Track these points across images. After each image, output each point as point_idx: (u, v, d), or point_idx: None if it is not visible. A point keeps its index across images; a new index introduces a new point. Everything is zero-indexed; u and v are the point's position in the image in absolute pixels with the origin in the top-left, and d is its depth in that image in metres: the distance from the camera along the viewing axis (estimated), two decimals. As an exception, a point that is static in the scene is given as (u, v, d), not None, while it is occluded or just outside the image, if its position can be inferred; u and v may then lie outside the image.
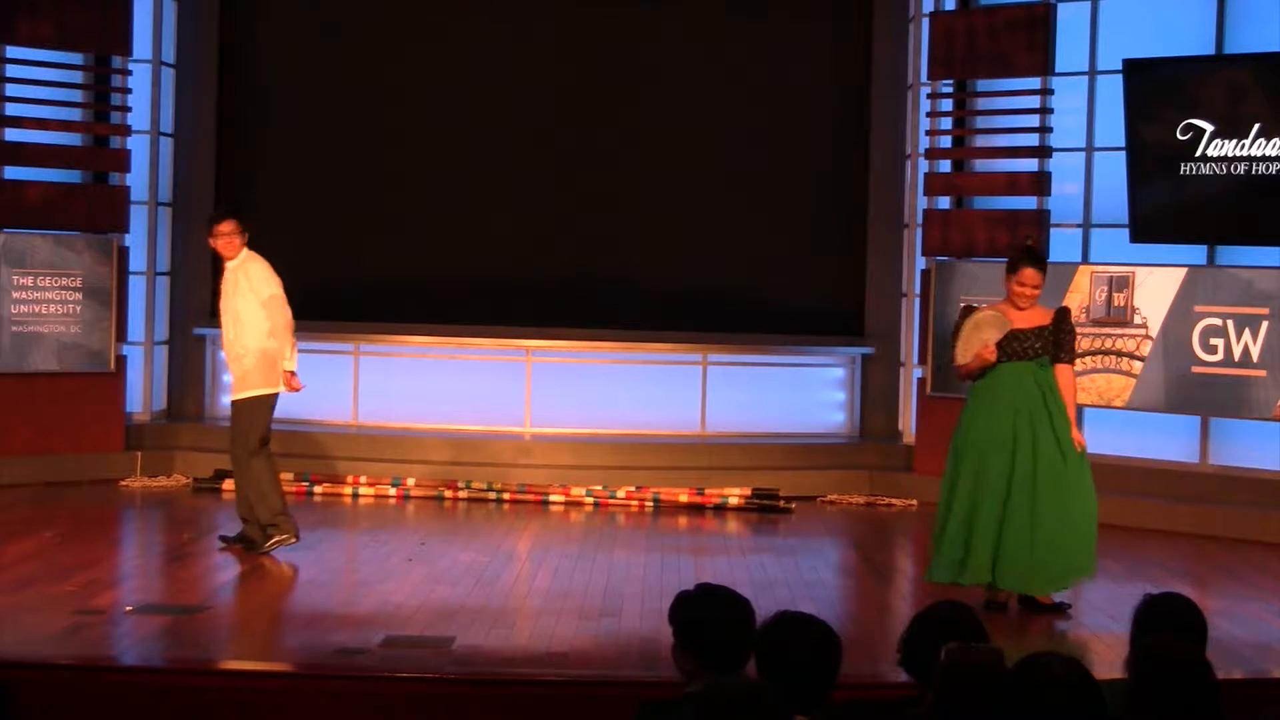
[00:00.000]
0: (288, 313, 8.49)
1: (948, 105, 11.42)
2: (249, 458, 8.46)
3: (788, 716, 3.30)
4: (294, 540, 8.44)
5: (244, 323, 8.47)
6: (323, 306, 11.68)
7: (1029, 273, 7.39)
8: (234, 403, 8.56)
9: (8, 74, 10.84)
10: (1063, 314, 7.51)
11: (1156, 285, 10.21)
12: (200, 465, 10.95)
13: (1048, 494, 7.25)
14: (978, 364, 7.33)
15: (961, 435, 7.44)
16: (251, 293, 8.46)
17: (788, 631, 3.71)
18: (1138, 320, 10.25)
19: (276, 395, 8.53)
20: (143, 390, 11.70)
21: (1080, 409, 10.63)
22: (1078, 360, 10.19)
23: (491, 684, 5.87)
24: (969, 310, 7.48)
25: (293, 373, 8.51)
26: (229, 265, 8.58)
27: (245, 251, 8.55)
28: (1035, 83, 10.88)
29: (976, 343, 7.31)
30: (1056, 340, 7.40)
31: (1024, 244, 7.74)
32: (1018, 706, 3.35)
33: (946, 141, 11.38)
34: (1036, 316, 7.43)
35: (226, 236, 8.49)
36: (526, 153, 12.26)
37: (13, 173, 10.87)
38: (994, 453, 7.29)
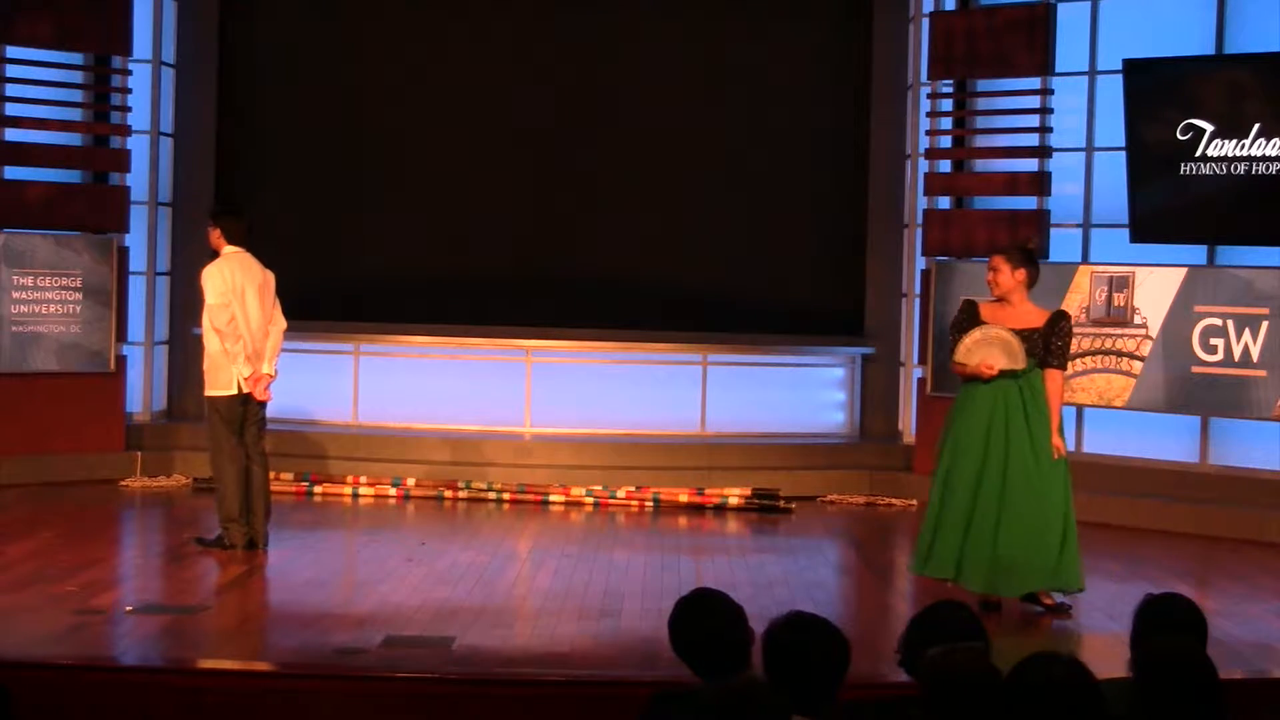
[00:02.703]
0: (219, 321, 8.41)
1: (948, 105, 11.42)
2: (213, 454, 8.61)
3: (788, 716, 3.30)
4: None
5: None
6: (323, 306, 11.68)
7: (993, 259, 7.41)
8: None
9: (8, 74, 10.83)
10: (1057, 317, 7.42)
11: (1156, 285, 10.21)
12: (200, 465, 10.86)
13: (1016, 499, 7.21)
14: (973, 374, 7.32)
15: (943, 434, 7.49)
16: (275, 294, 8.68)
17: (797, 632, 3.72)
18: (1138, 320, 10.25)
19: (225, 399, 8.51)
20: (143, 390, 11.70)
21: (1080, 409, 10.67)
22: (1078, 360, 10.30)
23: (491, 684, 5.87)
24: (972, 308, 7.44)
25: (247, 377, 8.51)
26: (249, 259, 8.64)
27: (223, 254, 8.57)
28: (1035, 83, 10.88)
29: (982, 355, 7.27)
30: (1046, 344, 7.30)
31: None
32: (1018, 707, 3.34)
33: (946, 141, 11.38)
34: (1030, 317, 7.37)
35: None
36: (526, 152, 12.25)
37: (13, 173, 10.87)
38: (965, 454, 7.30)
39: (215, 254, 8.63)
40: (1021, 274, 7.37)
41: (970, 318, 7.38)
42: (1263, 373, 9.83)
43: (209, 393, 8.53)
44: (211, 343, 8.47)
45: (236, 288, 8.45)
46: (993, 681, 3.41)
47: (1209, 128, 10.01)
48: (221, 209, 8.87)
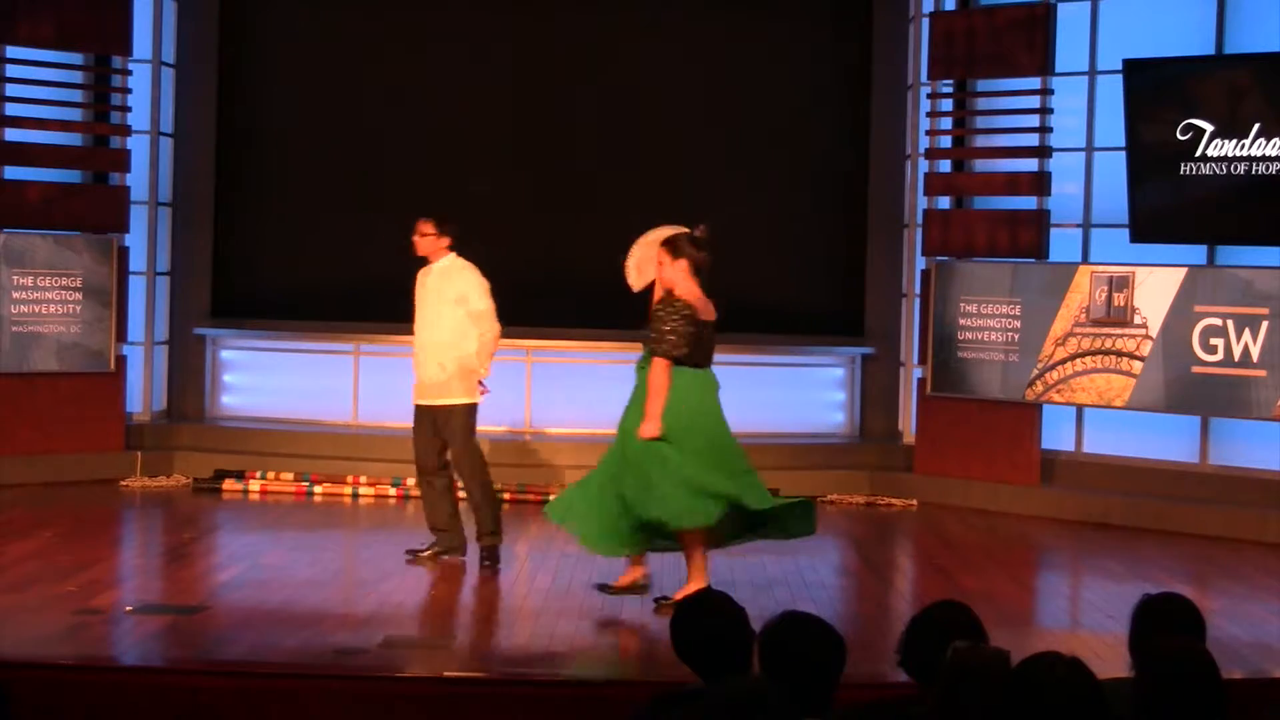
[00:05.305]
0: (497, 327, 8.49)
1: (948, 105, 11.42)
2: (463, 464, 8.54)
3: (795, 717, 3.29)
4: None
5: (450, 329, 8.47)
6: (323, 306, 11.66)
7: (660, 250, 7.55)
8: (449, 409, 8.47)
9: (8, 74, 10.83)
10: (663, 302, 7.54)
11: (1156, 285, 10.21)
12: (200, 465, 10.94)
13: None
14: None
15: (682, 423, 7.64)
16: (458, 302, 8.50)
17: (792, 631, 3.71)
18: (1138, 320, 10.25)
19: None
20: (143, 390, 11.69)
21: (1080, 409, 10.66)
22: (1077, 360, 10.33)
23: (491, 684, 5.88)
24: (690, 307, 7.49)
25: (481, 382, 8.51)
26: (431, 267, 8.61)
27: (452, 256, 8.61)
28: (1035, 83, 10.88)
29: None
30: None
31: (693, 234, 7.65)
32: (1020, 706, 3.34)
33: (946, 141, 11.38)
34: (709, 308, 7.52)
35: (422, 237, 8.61)
36: (526, 152, 12.24)
37: (13, 173, 10.87)
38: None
39: None
40: (683, 263, 7.49)
41: (693, 314, 7.50)
42: (1263, 373, 9.82)
43: (468, 400, 8.56)
44: (462, 348, 8.51)
45: (417, 295, 8.60)
46: (1006, 685, 3.41)
47: (1209, 128, 10.01)
48: (437, 212, 8.85)
